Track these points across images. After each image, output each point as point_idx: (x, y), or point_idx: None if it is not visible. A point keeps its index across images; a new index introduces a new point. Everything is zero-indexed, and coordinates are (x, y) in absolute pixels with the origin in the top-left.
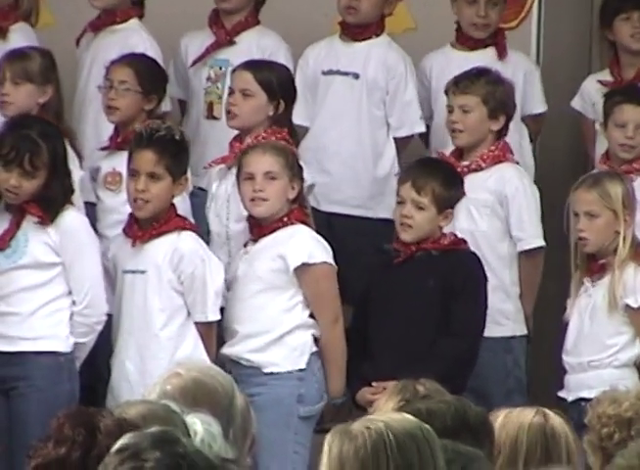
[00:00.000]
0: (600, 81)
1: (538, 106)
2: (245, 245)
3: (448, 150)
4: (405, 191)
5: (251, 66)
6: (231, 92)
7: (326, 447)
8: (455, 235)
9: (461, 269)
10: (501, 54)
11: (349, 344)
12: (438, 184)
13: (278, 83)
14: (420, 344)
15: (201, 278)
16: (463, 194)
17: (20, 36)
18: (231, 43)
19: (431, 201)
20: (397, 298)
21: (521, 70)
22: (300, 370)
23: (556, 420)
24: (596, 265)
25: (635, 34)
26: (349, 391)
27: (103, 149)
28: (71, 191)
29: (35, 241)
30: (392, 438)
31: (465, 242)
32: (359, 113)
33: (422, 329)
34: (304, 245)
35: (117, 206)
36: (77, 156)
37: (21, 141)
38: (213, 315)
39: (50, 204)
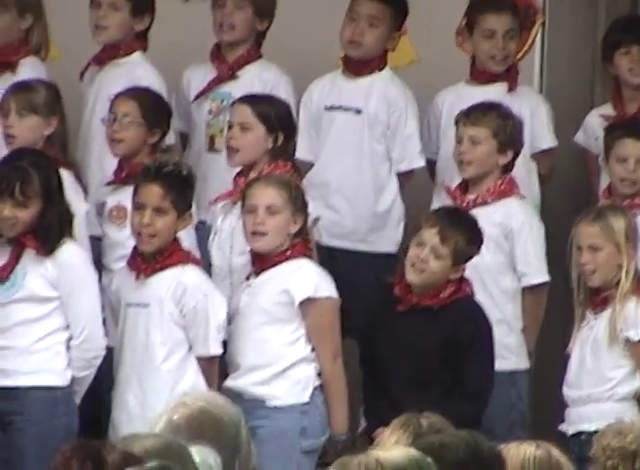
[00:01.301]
0: (602, 116)
1: (547, 141)
2: (247, 278)
3: (454, 183)
4: (429, 236)
5: (248, 99)
6: (230, 126)
7: None
8: (456, 281)
9: (464, 324)
10: (511, 86)
11: (363, 376)
12: (463, 239)
13: (276, 116)
14: (431, 386)
15: (203, 312)
16: (478, 252)
17: (29, 70)
18: (233, 77)
19: (451, 252)
20: (402, 347)
21: (527, 105)
22: (304, 403)
23: (558, 453)
24: (598, 298)
25: (634, 68)
26: (367, 424)
27: (108, 184)
28: (69, 221)
29: (33, 274)
30: None
31: (467, 283)
32: (361, 148)
33: (429, 384)
34: (310, 278)
35: (123, 240)
36: (83, 189)
37: (11, 171)
38: (215, 350)
39: (46, 234)
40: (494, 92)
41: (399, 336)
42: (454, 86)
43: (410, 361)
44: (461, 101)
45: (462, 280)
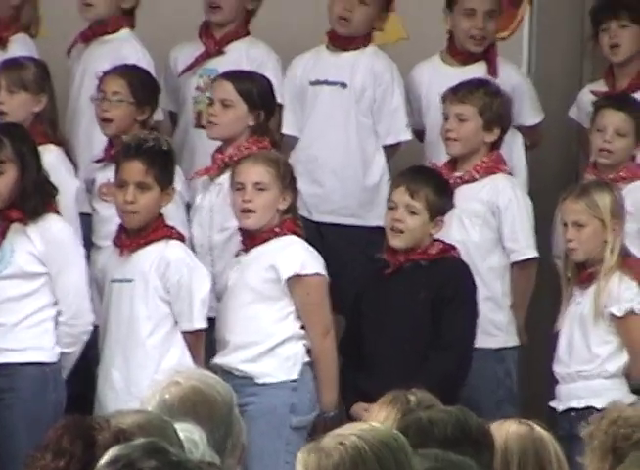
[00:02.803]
0: (593, 92)
1: (530, 118)
2: (236, 255)
3: (441, 161)
4: (398, 195)
5: (231, 76)
6: (211, 102)
7: (301, 466)
8: (443, 242)
9: (450, 280)
10: (492, 71)
11: (343, 355)
12: (432, 191)
13: (258, 94)
14: (414, 357)
15: (187, 287)
16: (453, 205)
17: (19, 47)
18: (220, 53)
19: (424, 206)
20: (389, 311)
21: (509, 85)
22: (293, 380)
23: (541, 430)
24: (585, 275)
25: (613, 46)
26: (344, 403)
27: (97, 161)
28: (50, 193)
29: (21, 251)
30: (369, 450)
31: (454, 248)
32: (347, 122)
33: (415, 342)
34: (297, 256)
35: (112, 216)
36: (73, 166)
37: None
38: (200, 324)
39: (25, 200)
40: (473, 72)
41: (386, 299)
42: (430, 63)
43: (397, 324)
44: (440, 82)
45: (450, 245)
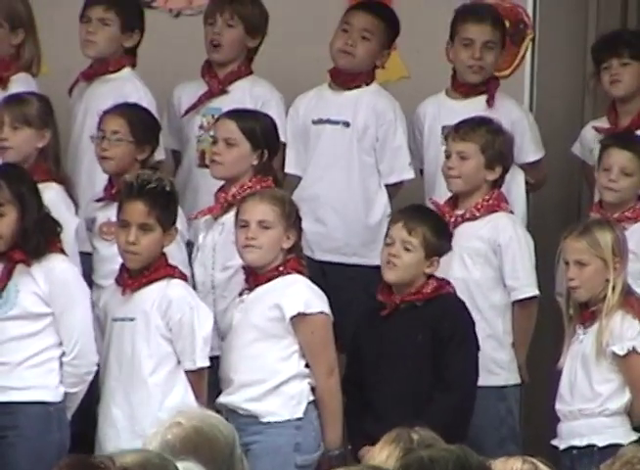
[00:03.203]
0: (595, 128)
1: (530, 154)
2: (240, 294)
3: (442, 198)
4: (396, 231)
5: (234, 115)
6: (214, 141)
7: None
8: (437, 279)
9: (447, 318)
10: (489, 102)
11: (346, 397)
12: (429, 230)
13: (262, 132)
14: (417, 398)
15: (189, 325)
16: (450, 247)
17: (20, 86)
18: (224, 92)
19: (420, 243)
20: (389, 353)
21: (508, 119)
22: (298, 419)
23: (544, 467)
24: (587, 313)
25: (614, 82)
26: (351, 446)
27: (98, 200)
28: (54, 231)
29: (26, 292)
30: None
31: (448, 283)
32: (350, 161)
33: (419, 383)
34: (301, 294)
35: (113, 256)
36: (74, 204)
37: None
38: (202, 362)
39: (27, 241)
40: (474, 106)
41: (385, 341)
42: (435, 97)
43: (398, 366)
44: (442, 114)
45: (444, 281)
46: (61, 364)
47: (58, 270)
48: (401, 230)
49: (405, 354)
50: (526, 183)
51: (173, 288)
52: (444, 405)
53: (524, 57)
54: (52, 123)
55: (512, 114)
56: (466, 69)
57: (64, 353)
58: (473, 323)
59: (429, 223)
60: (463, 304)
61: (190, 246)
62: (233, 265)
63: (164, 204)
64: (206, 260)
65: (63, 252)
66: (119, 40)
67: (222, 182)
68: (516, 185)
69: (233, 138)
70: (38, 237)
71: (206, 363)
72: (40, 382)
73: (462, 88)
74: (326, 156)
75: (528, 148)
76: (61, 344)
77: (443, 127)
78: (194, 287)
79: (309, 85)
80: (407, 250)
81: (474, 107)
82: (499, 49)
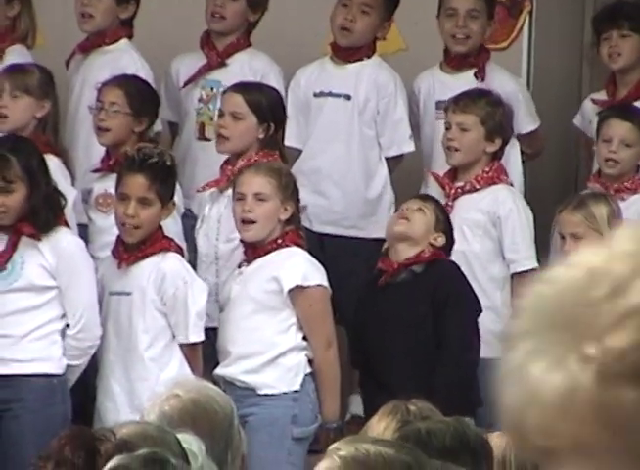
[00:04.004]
0: (593, 100)
1: (525, 126)
2: (239, 266)
3: (442, 171)
4: (411, 203)
5: (241, 88)
6: (221, 114)
7: None
8: (435, 247)
9: (442, 283)
10: (479, 76)
11: (356, 369)
12: (442, 210)
13: (268, 106)
14: (423, 367)
15: (182, 299)
16: (453, 240)
17: (16, 58)
18: (223, 64)
19: (433, 211)
20: (392, 324)
21: (502, 93)
22: (295, 391)
23: None
24: None
25: (612, 54)
26: (365, 419)
27: (95, 171)
28: (60, 206)
29: (31, 263)
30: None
31: (448, 255)
32: (351, 134)
33: (423, 353)
34: (299, 267)
35: (109, 227)
36: (70, 175)
37: None
38: (195, 337)
39: (36, 217)
40: (467, 80)
41: (386, 312)
42: (429, 71)
43: (400, 338)
44: (435, 89)
45: (441, 250)
46: (63, 336)
47: (65, 244)
48: (415, 203)
49: (408, 325)
50: (523, 153)
51: (168, 262)
52: (445, 372)
53: (521, 29)
54: (52, 95)
55: (506, 86)
56: (450, 39)
57: (67, 326)
58: (468, 287)
59: (440, 206)
60: (458, 268)
61: (188, 218)
62: (236, 237)
63: (164, 178)
64: (211, 232)
65: (67, 225)
66: (115, 12)
67: (223, 155)
68: (512, 157)
69: (240, 112)
70: (47, 212)
71: (200, 338)
72: (44, 354)
73: (454, 62)
74: (327, 129)
75: (523, 120)
76: (63, 316)
77: (437, 102)
78: (195, 258)
79: (308, 58)
80: (422, 211)
81: (466, 81)
82: (485, 19)
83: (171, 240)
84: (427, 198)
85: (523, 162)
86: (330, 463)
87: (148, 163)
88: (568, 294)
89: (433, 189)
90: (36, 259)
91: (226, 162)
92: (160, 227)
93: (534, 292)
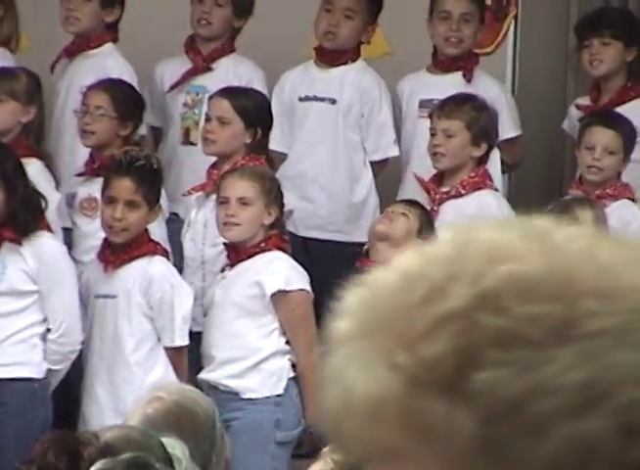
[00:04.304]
0: (577, 105)
1: (507, 131)
2: (222, 270)
3: (421, 170)
4: (396, 207)
5: (227, 93)
6: (207, 119)
7: None
8: None
9: None
10: (467, 76)
11: None
12: (427, 216)
13: (255, 111)
14: None
15: (169, 303)
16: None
17: None
18: (208, 69)
19: (418, 217)
20: None
21: (486, 95)
22: (278, 396)
23: None
24: None
25: (593, 61)
26: None
27: (79, 175)
28: (40, 209)
29: (13, 268)
30: None
31: None
32: (336, 138)
33: None
34: (281, 271)
35: (94, 231)
36: (54, 180)
37: None
38: (180, 340)
39: (14, 220)
40: (452, 83)
41: None
42: (415, 74)
43: None
44: (419, 89)
45: None
46: (44, 340)
47: (46, 248)
48: (399, 206)
49: None
50: (503, 163)
51: (154, 265)
52: None
53: (506, 34)
54: (38, 101)
55: (490, 90)
56: (443, 42)
57: (48, 330)
58: None
59: (425, 213)
60: None
61: (173, 222)
62: (222, 242)
63: (151, 181)
64: (197, 236)
65: (49, 229)
66: (100, 15)
67: (208, 159)
68: (492, 163)
69: (226, 117)
70: (26, 215)
71: (185, 342)
72: (24, 358)
73: (442, 65)
74: (312, 133)
75: (505, 124)
76: (44, 320)
77: (421, 101)
78: (181, 262)
79: (292, 63)
80: (405, 216)
81: (451, 81)
82: (477, 23)
83: (157, 243)
84: (413, 203)
85: (503, 172)
86: (323, 466)
87: (135, 165)
88: (383, 298)
89: (411, 190)
90: (18, 264)
91: (212, 166)
92: (147, 230)
93: (354, 295)
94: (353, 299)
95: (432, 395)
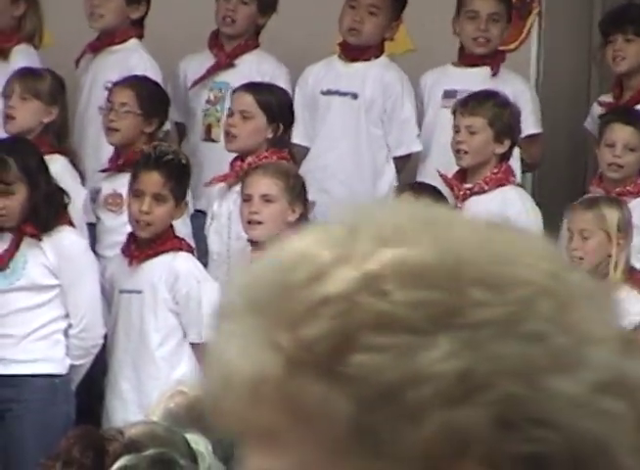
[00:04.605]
0: (599, 102)
1: (530, 127)
2: None
3: (435, 163)
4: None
5: (251, 88)
6: (230, 114)
7: None
8: None
9: None
10: (494, 70)
11: None
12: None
13: (277, 106)
14: None
15: (195, 299)
16: None
17: (22, 58)
18: (231, 66)
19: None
20: None
21: (510, 90)
22: None
23: None
24: None
25: (616, 57)
26: None
27: (103, 171)
28: (63, 205)
29: (34, 263)
30: None
31: None
32: (358, 133)
33: None
34: None
35: (117, 227)
36: (80, 175)
37: None
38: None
39: (37, 216)
40: (477, 76)
41: None
42: (440, 68)
43: None
44: (444, 81)
45: None
46: (66, 336)
47: (67, 243)
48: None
49: None
50: (522, 162)
51: (180, 261)
52: None
53: (530, 31)
54: (61, 102)
55: (515, 86)
56: (471, 41)
57: (70, 326)
58: None
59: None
60: None
61: (196, 218)
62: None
63: (179, 176)
64: (222, 229)
65: (71, 224)
66: (126, 12)
67: (229, 157)
68: (512, 161)
69: (249, 111)
70: (48, 211)
71: None
72: (46, 354)
73: (468, 60)
74: (334, 127)
75: (528, 120)
76: (67, 316)
77: (445, 91)
78: (206, 258)
79: (315, 59)
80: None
81: (476, 76)
82: (505, 22)
83: (182, 239)
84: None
85: (522, 172)
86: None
87: (164, 160)
88: (269, 277)
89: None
90: (39, 259)
91: (236, 158)
92: (172, 226)
93: (245, 272)
94: (243, 276)
95: (310, 377)
